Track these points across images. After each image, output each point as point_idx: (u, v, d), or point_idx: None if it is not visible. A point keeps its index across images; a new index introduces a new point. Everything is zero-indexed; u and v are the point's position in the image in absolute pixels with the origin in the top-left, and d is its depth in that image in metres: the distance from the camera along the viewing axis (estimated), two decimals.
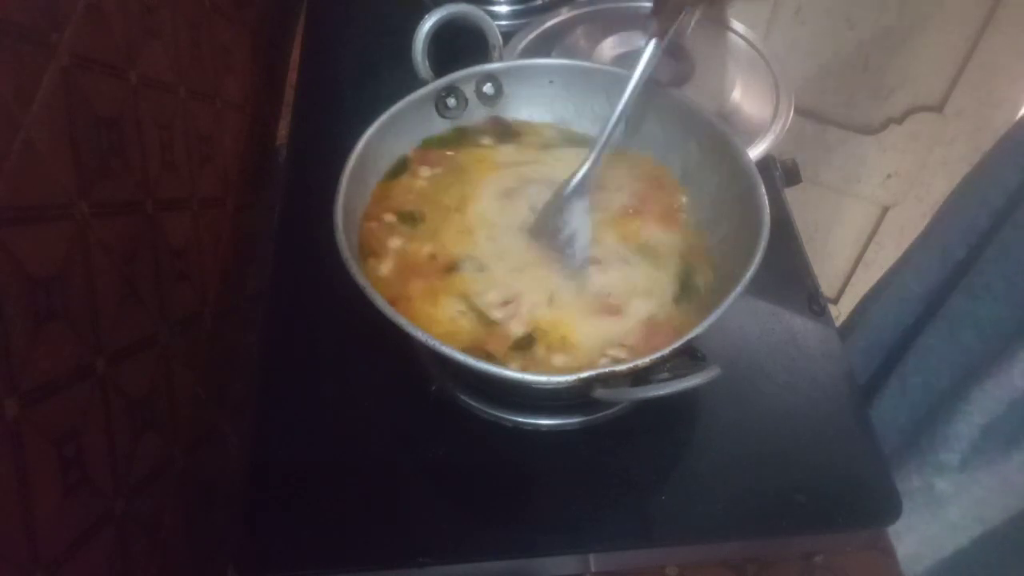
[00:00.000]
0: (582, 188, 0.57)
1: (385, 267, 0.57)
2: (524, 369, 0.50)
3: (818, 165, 1.35)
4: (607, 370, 0.45)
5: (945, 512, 0.78)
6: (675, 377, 0.45)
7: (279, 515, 0.55)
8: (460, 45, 0.62)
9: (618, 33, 0.79)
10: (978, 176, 0.81)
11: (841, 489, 0.57)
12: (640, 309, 0.55)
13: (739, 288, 0.48)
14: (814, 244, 1.48)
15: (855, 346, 0.92)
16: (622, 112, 0.56)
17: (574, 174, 0.57)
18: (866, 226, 1.45)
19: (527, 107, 0.66)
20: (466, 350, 0.48)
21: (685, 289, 0.56)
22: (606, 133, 0.56)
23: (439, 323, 0.54)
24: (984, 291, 0.74)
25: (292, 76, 0.89)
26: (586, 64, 0.66)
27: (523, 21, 0.84)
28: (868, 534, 0.59)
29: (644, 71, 0.56)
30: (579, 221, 0.57)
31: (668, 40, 0.56)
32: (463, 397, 0.60)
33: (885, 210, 1.40)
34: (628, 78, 0.56)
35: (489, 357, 0.51)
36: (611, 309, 0.55)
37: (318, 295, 0.66)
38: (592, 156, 0.57)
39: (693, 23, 0.58)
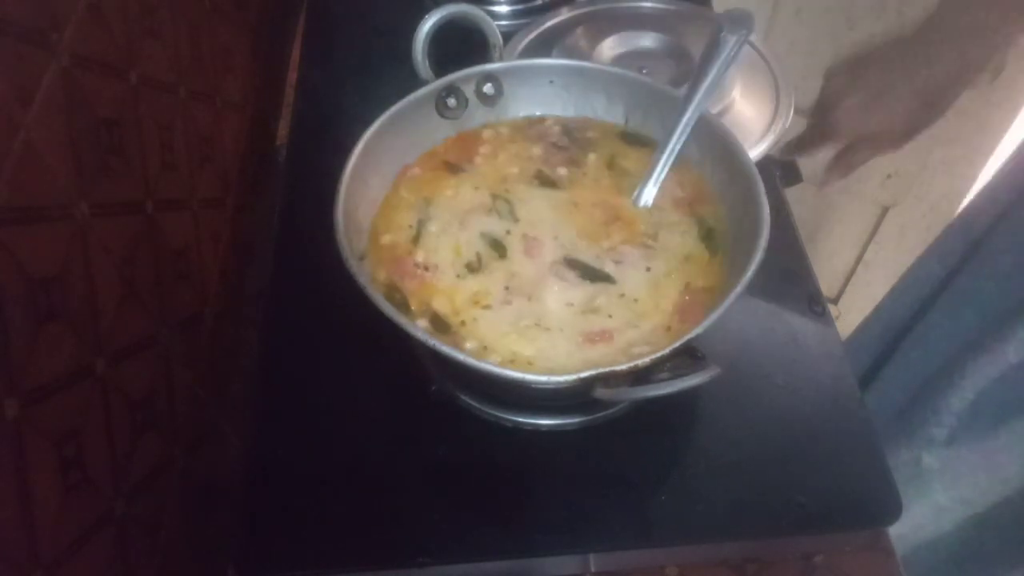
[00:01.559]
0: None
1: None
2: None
3: (818, 165, 1.35)
4: (607, 370, 0.45)
5: (930, 488, 0.78)
6: (675, 377, 0.45)
7: (279, 515, 0.55)
8: (460, 45, 0.62)
9: (618, 33, 0.79)
10: (1012, 164, 0.82)
11: (841, 489, 0.57)
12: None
13: (739, 288, 0.48)
14: (814, 244, 1.48)
15: (870, 329, 0.92)
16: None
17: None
18: (866, 226, 1.45)
19: (527, 107, 0.66)
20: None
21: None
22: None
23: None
24: (991, 269, 0.74)
25: (292, 76, 0.89)
26: (586, 64, 0.66)
27: (523, 21, 0.84)
28: (868, 534, 0.59)
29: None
30: None
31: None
32: (463, 397, 0.60)
33: (885, 210, 1.41)
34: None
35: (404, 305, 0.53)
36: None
37: (318, 295, 0.65)
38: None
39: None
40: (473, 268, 0.56)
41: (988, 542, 0.77)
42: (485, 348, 0.52)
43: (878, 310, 0.94)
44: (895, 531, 0.59)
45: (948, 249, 0.85)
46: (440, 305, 0.54)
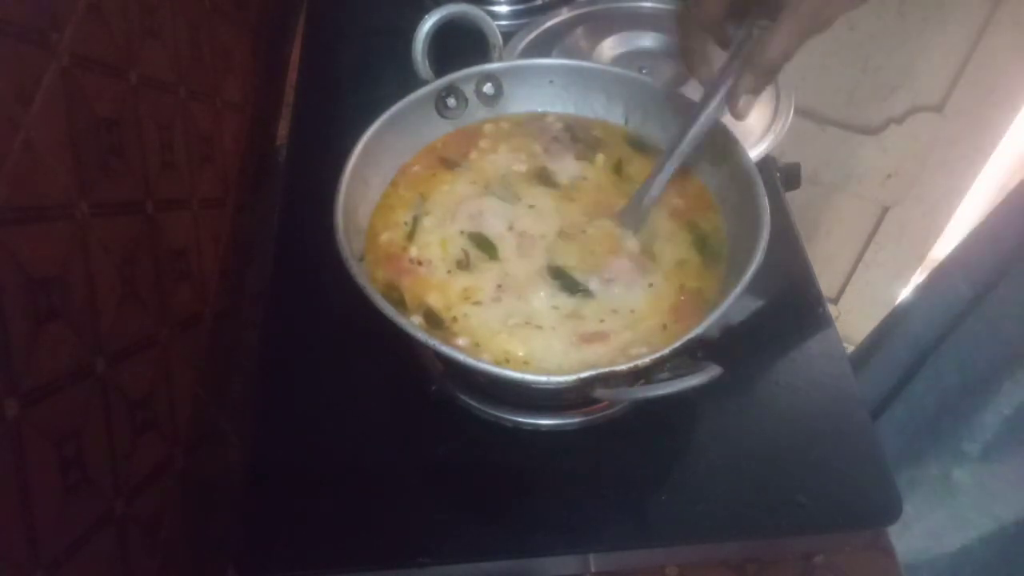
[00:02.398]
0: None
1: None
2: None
3: (818, 165, 1.35)
4: (607, 370, 0.45)
5: (958, 503, 0.77)
6: (675, 377, 0.45)
7: (279, 515, 0.55)
8: (460, 45, 0.62)
9: (618, 33, 0.79)
10: None
11: (841, 489, 0.57)
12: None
13: (739, 288, 0.48)
14: (814, 244, 1.48)
15: (892, 345, 0.90)
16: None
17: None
18: (866, 226, 1.45)
19: (527, 107, 0.66)
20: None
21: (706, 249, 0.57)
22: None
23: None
24: None
25: (292, 76, 0.89)
26: (586, 64, 0.66)
27: (523, 21, 0.84)
28: (868, 534, 0.59)
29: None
30: None
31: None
32: (463, 397, 0.60)
33: (885, 210, 1.41)
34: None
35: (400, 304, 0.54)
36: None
37: (318, 295, 0.66)
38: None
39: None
40: (463, 265, 0.56)
41: (1016, 557, 0.76)
42: (477, 345, 0.52)
43: (900, 325, 0.91)
44: (918, 544, 0.58)
45: (976, 264, 0.82)
46: (434, 300, 0.54)
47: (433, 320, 0.53)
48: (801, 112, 1.27)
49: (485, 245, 0.57)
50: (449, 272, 0.56)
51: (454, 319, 0.53)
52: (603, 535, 0.55)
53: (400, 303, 0.54)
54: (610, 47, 0.79)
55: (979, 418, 0.74)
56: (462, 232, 0.58)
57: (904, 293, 1.51)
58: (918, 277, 1.50)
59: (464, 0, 0.61)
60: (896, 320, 0.95)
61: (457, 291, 0.55)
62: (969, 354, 0.79)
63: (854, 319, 1.60)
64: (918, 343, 0.87)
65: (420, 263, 0.56)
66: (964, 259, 0.86)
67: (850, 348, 1.59)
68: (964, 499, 0.76)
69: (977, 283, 0.82)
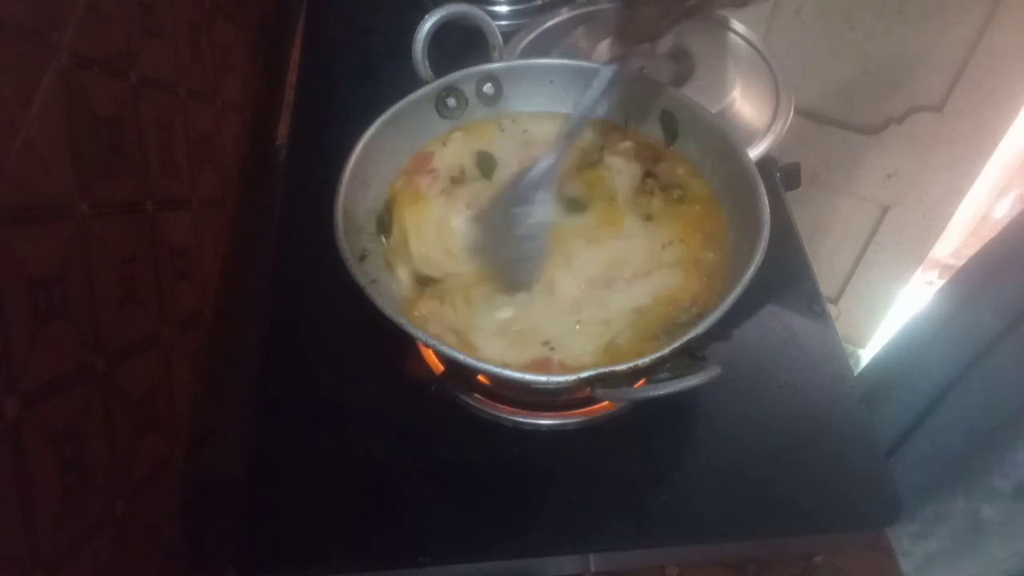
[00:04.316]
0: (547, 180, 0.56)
1: None
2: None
3: (818, 165, 1.35)
4: (607, 370, 0.45)
5: (987, 542, 0.75)
6: (675, 377, 0.45)
7: (279, 515, 0.55)
8: (460, 45, 0.62)
9: None
10: None
11: (841, 490, 0.57)
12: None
13: (739, 288, 0.48)
14: (814, 244, 1.48)
15: (914, 374, 0.88)
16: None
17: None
18: (866, 226, 1.45)
19: (527, 107, 0.66)
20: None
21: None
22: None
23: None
24: None
25: (292, 76, 0.89)
26: (586, 64, 0.66)
27: (523, 21, 0.84)
28: (868, 534, 0.59)
29: (600, 91, 0.57)
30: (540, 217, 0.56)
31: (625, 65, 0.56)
32: (463, 397, 0.60)
33: (885, 210, 1.40)
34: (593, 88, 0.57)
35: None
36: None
37: (318, 295, 0.66)
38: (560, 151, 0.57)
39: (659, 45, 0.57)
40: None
41: None
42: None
43: (922, 357, 0.88)
44: None
45: (1005, 294, 0.79)
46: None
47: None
48: (801, 112, 1.27)
49: None
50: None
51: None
52: (603, 535, 0.55)
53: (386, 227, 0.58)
54: (610, 47, 0.79)
55: (1012, 456, 0.72)
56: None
57: (904, 293, 1.51)
58: (918, 277, 1.50)
59: (464, 0, 0.61)
60: (917, 351, 0.91)
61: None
62: (998, 388, 0.77)
63: (854, 319, 1.60)
64: (942, 375, 0.85)
65: (433, 170, 0.60)
66: (990, 287, 0.82)
67: (850, 348, 1.59)
68: (992, 537, 0.75)
69: (1006, 315, 0.78)
